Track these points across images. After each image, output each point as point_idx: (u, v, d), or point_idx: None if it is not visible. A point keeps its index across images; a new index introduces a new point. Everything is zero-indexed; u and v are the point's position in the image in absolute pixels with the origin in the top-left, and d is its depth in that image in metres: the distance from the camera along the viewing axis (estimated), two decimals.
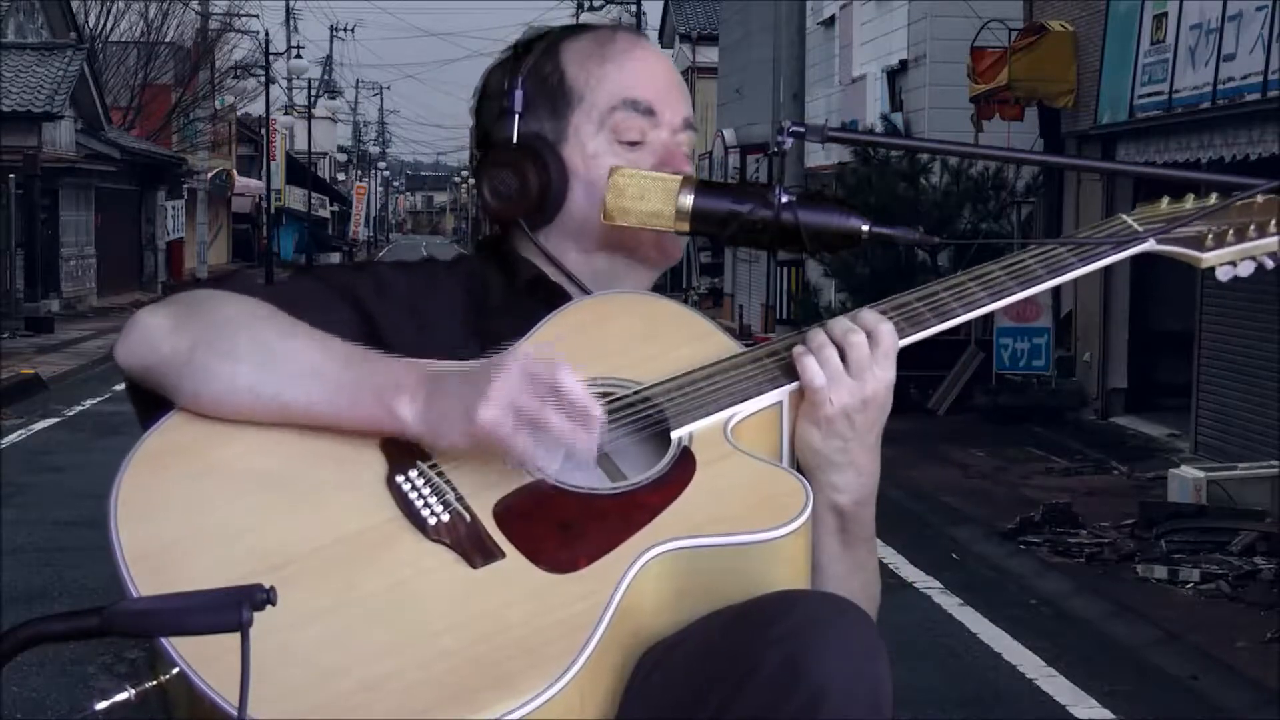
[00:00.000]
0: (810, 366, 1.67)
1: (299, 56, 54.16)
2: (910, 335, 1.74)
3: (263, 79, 47.55)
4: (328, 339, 1.63)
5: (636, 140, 1.82)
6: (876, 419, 1.70)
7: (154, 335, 1.65)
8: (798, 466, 1.69)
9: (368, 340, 1.69)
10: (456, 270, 1.87)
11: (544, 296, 1.81)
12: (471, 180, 2.04)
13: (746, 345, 1.76)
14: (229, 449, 1.59)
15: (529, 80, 1.84)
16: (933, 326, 1.75)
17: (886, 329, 1.69)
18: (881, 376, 1.68)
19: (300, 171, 57.47)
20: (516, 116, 1.83)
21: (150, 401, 1.66)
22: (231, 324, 1.64)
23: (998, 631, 7.20)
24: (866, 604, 1.72)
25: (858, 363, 1.67)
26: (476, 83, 1.93)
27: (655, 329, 1.75)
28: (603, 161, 1.80)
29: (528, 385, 1.53)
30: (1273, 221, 1.83)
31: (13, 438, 13.27)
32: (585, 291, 1.82)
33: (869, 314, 1.71)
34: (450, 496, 1.56)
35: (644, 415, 1.66)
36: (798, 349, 1.69)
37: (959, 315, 1.76)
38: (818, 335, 1.69)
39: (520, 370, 1.53)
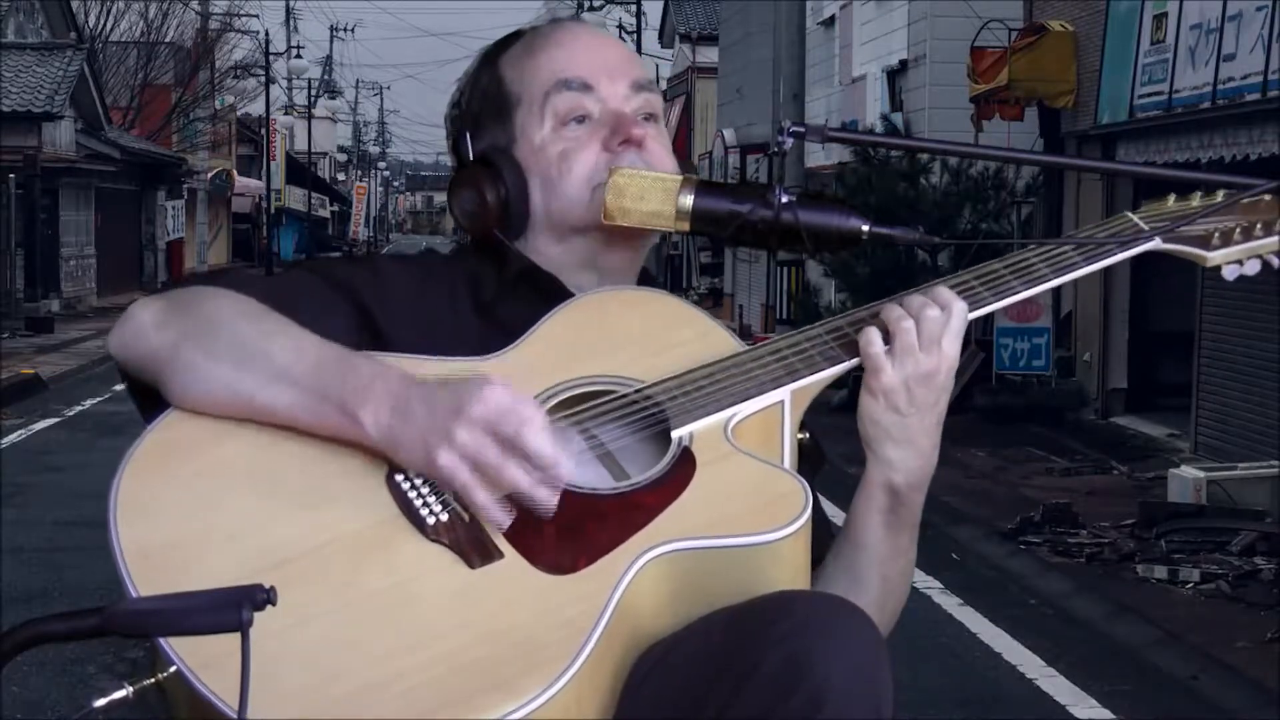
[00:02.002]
0: (872, 335, 1.69)
1: (299, 56, 54.20)
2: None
3: (263, 79, 47.59)
4: (307, 342, 1.62)
5: (580, 116, 1.82)
6: (937, 397, 1.71)
7: (144, 328, 1.67)
8: (798, 467, 1.69)
9: (366, 334, 1.69)
10: (454, 263, 1.88)
11: (538, 285, 1.81)
12: None
13: (747, 345, 1.77)
14: (228, 446, 1.59)
15: (473, 99, 1.87)
16: None
17: (960, 307, 1.71)
18: (946, 353, 1.69)
19: (300, 171, 57.48)
20: (469, 136, 1.85)
21: (147, 394, 1.67)
22: (215, 322, 1.64)
23: (998, 631, 7.19)
24: (899, 593, 1.78)
25: (928, 337, 1.68)
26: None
27: (658, 326, 1.74)
28: (551, 150, 1.81)
29: (491, 439, 1.50)
30: (1279, 221, 1.83)
31: (13, 438, 13.26)
32: (576, 278, 1.82)
33: (945, 291, 1.72)
34: (450, 496, 1.55)
35: (645, 414, 1.66)
36: (868, 322, 1.70)
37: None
38: (894, 307, 1.70)
39: (486, 422, 1.51)
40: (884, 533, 1.76)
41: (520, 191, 1.81)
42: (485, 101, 1.86)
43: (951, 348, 1.70)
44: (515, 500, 1.53)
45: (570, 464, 1.54)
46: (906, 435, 1.72)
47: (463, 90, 1.90)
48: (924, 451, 1.73)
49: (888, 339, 1.69)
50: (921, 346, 1.68)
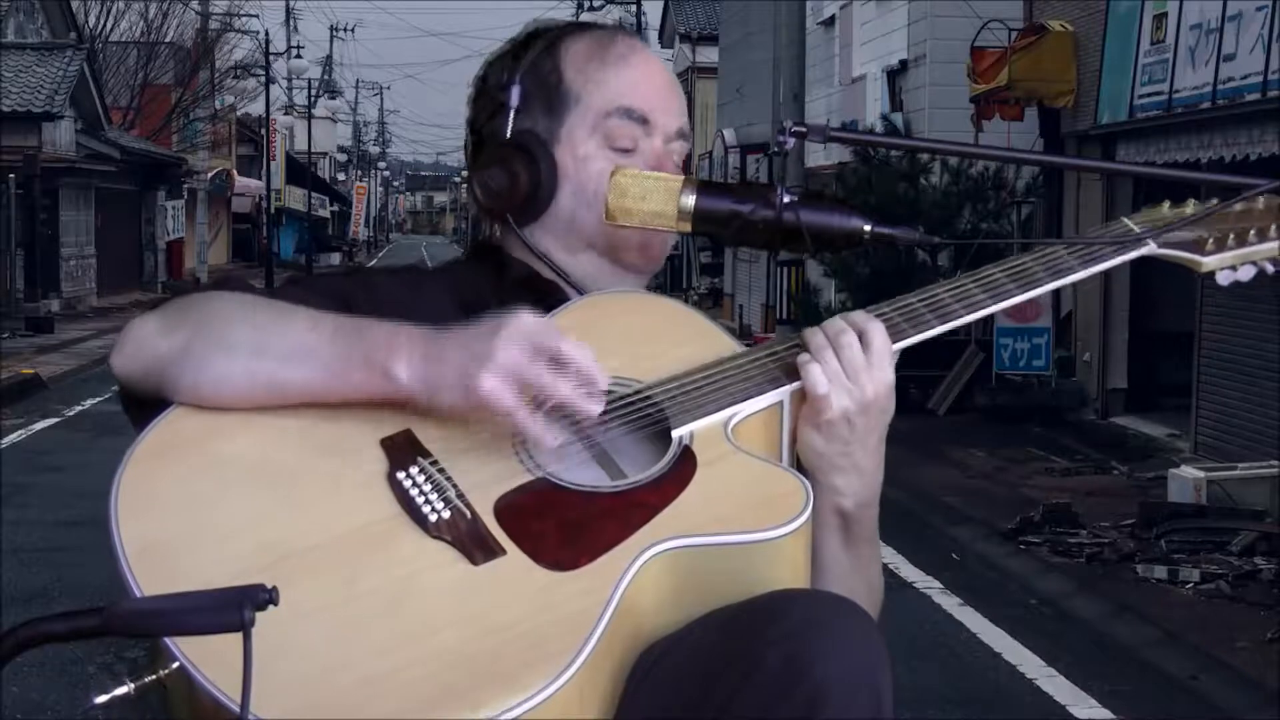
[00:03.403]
0: (814, 372, 1.67)
1: (299, 56, 54.17)
2: (912, 336, 1.73)
3: (263, 79, 47.58)
4: (318, 315, 1.63)
5: (628, 148, 1.83)
6: (878, 422, 1.70)
7: (148, 338, 1.65)
8: (799, 466, 1.69)
9: None
10: (444, 274, 1.88)
11: (537, 294, 1.80)
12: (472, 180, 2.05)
13: (746, 345, 1.77)
14: (230, 443, 1.59)
15: (527, 77, 1.85)
16: (934, 328, 1.75)
17: (875, 328, 1.69)
18: (879, 378, 1.68)
19: (300, 171, 57.45)
20: (512, 113, 1.83)
21: (147, 413, 1.66)
22: (223, 314, 1.64)
23: (998, 631, 7.20)
24: (869, 603, 1.73)
25: (851, 365, 1.67)
26: (476, 72, 1.93)
27: (656, 327, 1.75)
28: (593, 166, 1.81)
29: (531, 354, 1.53)
30: (1273, 226, 1.82)
31: (13, 438, 13.26)
32: (577, 289, 1.83)
33: (858, 314, 1.71)
34: (451, 493, 1.56)
35: (645, 414, 1.66)
36: (802, 356, 1.68)
37: (960, 317, 1.76)
38: (816, 337, 1.69)
39: (524, 339, 1.54)
40: (842, 551, 1.75)
41: (551, 188, 1.82)
42: (539, 87, 1.84)
43: (882, 372, 1.68)
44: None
45: (605, 377, 1.56)
46: (849, 462, 1.70)
47: (516, 64, 1.86)
48: (868, 472, 1.72)
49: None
50: (848, 375, 1.67)
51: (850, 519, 1.73)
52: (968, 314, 1.76)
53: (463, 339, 1.57)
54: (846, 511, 1.73)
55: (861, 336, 1.68)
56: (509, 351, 1.53)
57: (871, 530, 1.76)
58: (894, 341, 1.71)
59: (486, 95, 1.88)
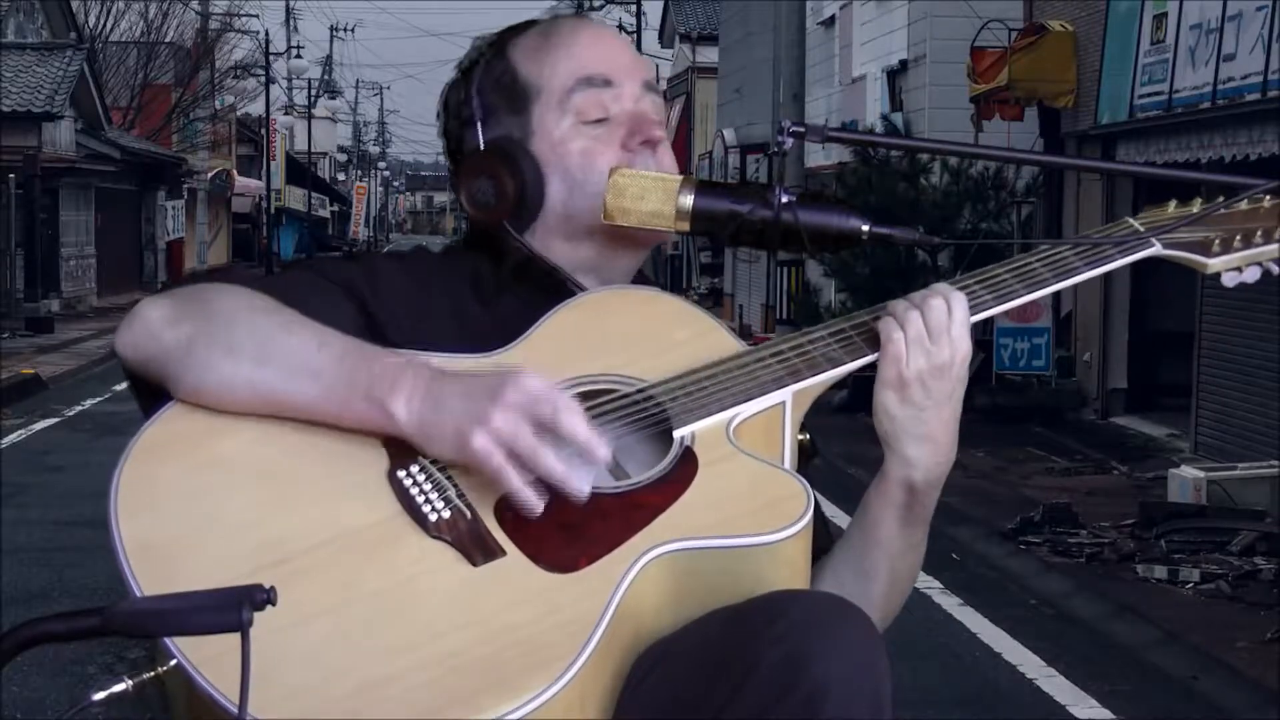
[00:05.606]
0: (890, 325, 1.69)
1: (299, 56, 54.22)
2: (980, 312, 1.75)
3: (263, 79, 47.61)
4: (327, 334, 1.62)
5: (601, 117, 1.82)
6: (953, 389, 1.71)
7: (155, 326, 1.65)
8: (799, 467, 1.69)
9: (366, 331, 1.69)
10: (448, 260, 1.87)
11: (536, 279, 1.81)
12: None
13: (748, 345, 1.77)
14: (230, 440, 1.59)
15: (484, 87, 1.85)
16: (992, 307, 1.76)
17: (959, 297, 1.71)
18: (958, 344, 1.69)
19: (300, 171, 57.46)
20: (480, 124, 1.84)
21: (152, 392, 1.66)
22: (231, 317, 1.64)
23: (998, 631, 7.19)
24: (909, 583, 1.81)
25: (935, 327, 1.68)
26: (437, 105, 1.93)
27: (659, 326, 1.74)
28: (572, 146, 1.81)
29: (528, 423, 1.52)
30: (1279, 228, 1.82)
31: (13, 438, 13.26)
32: (577, 279, 1.82)
33: (944, 285, 1.73)
34: (451, 493, 1.56)
35: (646, 414, 1.66)
36: (884, 319, 1.70)
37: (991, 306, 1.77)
38: (900, 302, 1.71)
39: (522, 407, 1.53)
40: (898, 529, 1.77)
41: (537, 185, 1.81)
42: (498, 90, 1.85)
43: (961, 338, 1.70)
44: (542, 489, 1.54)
45: (607, 449, 1.55)
46: (924, 430, 1.71)
47: (470, 78, 1.87)
48: (942, 447, 1.73)
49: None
50: (931, 337, 1.68)
51: (917, 495, 1.74)
52: (973, 314, 1.76)
53: (466, 387, 1.56)
54: (915, 485, 1.73)
55: (946, 303, 1.70)
56: (506, 417, 1.52)
57: (929, 513, 1.78)
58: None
59: (452, 117, 1.88)
